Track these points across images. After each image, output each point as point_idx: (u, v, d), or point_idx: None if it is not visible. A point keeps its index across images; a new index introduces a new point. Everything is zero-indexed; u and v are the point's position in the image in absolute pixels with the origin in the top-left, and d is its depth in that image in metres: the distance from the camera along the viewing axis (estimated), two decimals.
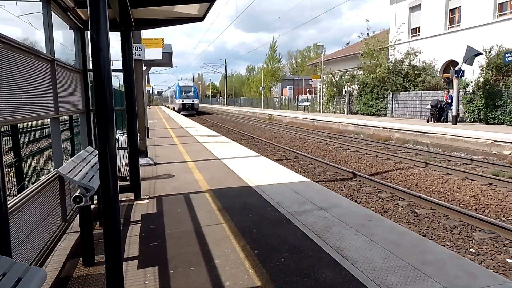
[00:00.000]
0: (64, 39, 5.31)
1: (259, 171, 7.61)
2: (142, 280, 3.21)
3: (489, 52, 19.14)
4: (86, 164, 4.26)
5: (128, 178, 6.35)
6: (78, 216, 3.83)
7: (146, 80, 31.44)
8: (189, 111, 44.77)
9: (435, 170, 10.26)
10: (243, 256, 3.58)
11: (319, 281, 3.09)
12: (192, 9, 5.47)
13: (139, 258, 3.67)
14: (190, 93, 46.66)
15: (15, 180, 4.02)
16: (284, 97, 54.18)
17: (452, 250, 4.92)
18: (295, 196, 5.66)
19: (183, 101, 45.39)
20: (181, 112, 43.08)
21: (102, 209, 2.84)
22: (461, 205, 7.25)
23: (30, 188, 3.25)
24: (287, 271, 3.27)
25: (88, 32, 5.11)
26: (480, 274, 3.13)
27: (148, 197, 5.87)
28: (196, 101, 46.54)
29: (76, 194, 3.51)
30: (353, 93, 30.88)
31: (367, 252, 3.59)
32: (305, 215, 4.75)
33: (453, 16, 25.25)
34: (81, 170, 3.96)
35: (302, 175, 8.59)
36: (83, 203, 3.53)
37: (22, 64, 3.08)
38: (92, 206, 5.08)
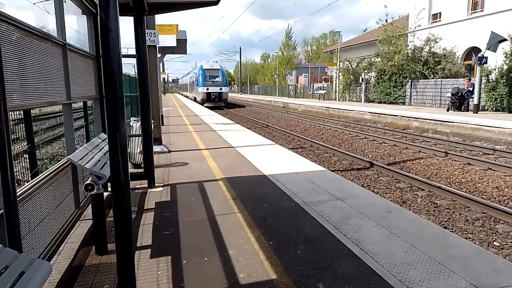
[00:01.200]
0: (78, 25, 5.23)
1: (274, 160, 7.48)
2: (154, 270, 3.15)
3: None
4: (99, 151, 4.20)
5: (142, 165, 6.31)
6: (90, 204, 3.79)
7: (161, 67, 31.53)
8: (216, 102, 33.39)
9: (455, 160, 9.95)
10: (257, 247, 3.48)
11: (337, 275, 2.97)
12: None
13: (152, 247, 3.61)
14: (217, 79, 35.15)
15: (29, 167, 4.00)
16: (299, 85, 53.56)
17: (475, 243, 4.73)
18: (310, 186, 5.52)
19: (207, 89, 33.92)
20: (205, 104, 32.42)
21: (112, 197, 2.77)
22: (483, 196, 6.99)
23: (41, 175, 3.20)
24: (303, 263, 3.16)
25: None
26: (507, 270, 2.95)
27: (162, 184, 5.81)
28: (225, 89, 34.93)
29: (88, 181, 3.45)
30: (370, 81, 30.24)
31: (387, 245, 3.45)
32: (321, 205, 4.61)
33: (476, 1, 24.29)
34: (93, 157, 3.90)
35: (318, 164, 8.42)
36: (95, 190, 3.47)
37: (32, 48, 3.00)
38: (106, 194, 5.07)
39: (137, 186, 5.71)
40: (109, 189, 5.07)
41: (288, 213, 4.38)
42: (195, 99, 39.09)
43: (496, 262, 3.14)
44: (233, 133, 11.83)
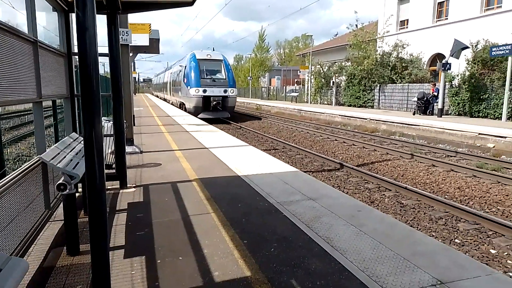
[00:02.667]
0: (47, 22, 5.10)
1: (248, 161, 7.55)
2: (128, 270, 3.14)
3: (476, 46, 19.34)
4: (71, 151, 4.12)
5: (113, 166, 6.21)
6: (62, 204, 3.72)
7: (132, 66, 30.92)
8: (217, 112, 22.27)
9: (420, 162, 10.38)
10: (232, 246, 3.53)
11: (309, 271, 3.07)
12: None
13: (126, 248, 3.59)
14: (220, 75, 23.18)
15: None
16: (272, 87, 53.98)
17: (439, 241, 4.97)
18: (283, 186, 5.63)
19: (204, 91, 21.86)
20: (201, 115, 21.21)
21: (87, 198, 2.74)
22: (446, 196, 7.35)
23: (10, 175, 3.12)
24: (276, 261, 3.24)
25: (73, 14, 4.92)
26: (468, 265, 3.15)
27: (134, 185, 5.75)
28: (231, 91, 22.83)
29: (60, 181, 3.39)
30: (341, 85, 30.95)
31: (356, 243, 3.59)
32: (294, 205, 4.72)
33: (441, 9, 25.39)
34: (65, 157, 3.83)
35: (291, 165, 8.56)
36: (67, 190, 3.41)
37: (2, 45, 2.93)
38: (77, 194, 4.97)
39: (109, 187, 5.62)
40: (80, 189, 5.00)
41: (262, 213, 4.46)
42: (181, 106, 25.19)
43: (458, 258, 3.34)
44: (206, 134, 11.81)
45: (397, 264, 3.16)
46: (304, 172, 7.87)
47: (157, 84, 53.25)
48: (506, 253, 4.88)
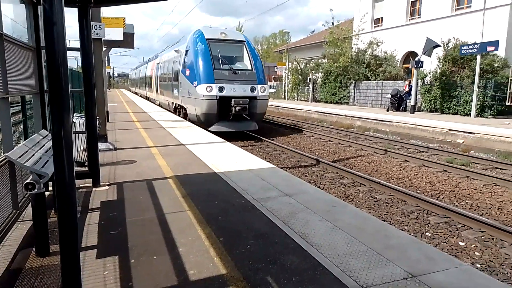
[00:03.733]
0: (16, 15, 4.90)
1: (225, 157, 7.52)
2: (101, 270, 3.07)
3: (447, 44, 19.91)
4: (40, 149, 3.98)
5: (86, 163, 6.06)
6: (30, 204, 3.59)
7: (106, 61, 30.08)
8: (240, 123, 14.32)
9: (394, 158, 10.63)
10: (208, 244, 3.51)
11: (284, 267, 3.09)
12: None
13: (98, 247, 3.51)
14: (243, 65, 15.03)
15: None
16: None
17: (410, 234, 5.12)
18: (261, 183, 5.64)
19: (221, 89, 13.68)
20: (215, 127, 13.79)
21: (57, 197, 2.66)
22: (418, 191, 7.56)
23: None
24: (252, 258, 3.25)
25: (41, 7, 4.74)
26: (438, 258, 3.25)
27: (108, 183, 5.63)
28: (263, 90, 14.49)
29: (28, 180, 3.27)
30: (318, 81, 31.25)
31: (331, 238, 3.64)
32: (271, 202, 4.74)
33: (414, 8, 25.99)
34: (33, 155, 3.69)
35: (268, 161, 8.59)
36: (36, 190, 3.29)
37: None
38: (47, 193, 4.82)
39: (81, 185, 5.48)
40: (50, 188, 4.84)
41: (238, 210, 4.46)
42: (177, 110, 17.83)
43: (430, 251, 3.44)
44: (183, 130, 11.68)
45: (370, 258, 3.22)
46: (281, 168, 7.92)
47: (136, 79, 43.49)
48: (473, 245, 5.07)
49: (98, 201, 4.86)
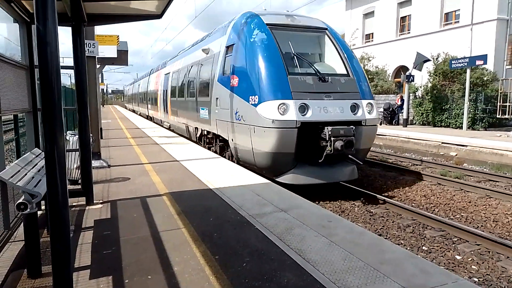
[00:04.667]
0: (8, 33, 4.92)
1: (219, 173, 7.49)
2: None
3: (437, 58, 20.29)
4: (32, 168, 3.94)
5: (79, 181, 6.00)
6: (22, 224, 3.54)
7: (100, 78, 30.16)
8: (335, 169, 8.00)
9: (388, 171, 10.66)
10: (203, 262, 3.46)
11: (281, 285, 3.05)
12: (149, 6, 5.26)
13: (91, 267, 3.44)
14: (330, 69, 8.66)
15: None
16: None
17: (406, 248, 5.10)
18: (256, 198, 5.61)
19: (304, 109, 7.55)
20: (291, 176, 7.79)
21: (49, 217, 2.63)
22: (413, 204, 7.57)
23: None
24: (248, 276, 3.20)
25: (35, 26, 4.77)
26: (434, 272, 3.23)
27: (101, 201, 5.57)
28: (369, 108, 8.20)
29: (20, 200, 3.22)
30: None
31: (327, 254, 3.61)
32: (266, 217, 4.71)
33: (403, 23, 26.53)
34: (26, 174, 3.65)
35: (263, 176, 8.56)
36: (28, 210, 3.25)
37: None
38: (40, 212, 4.75)
39: (74, 204, 5.42)
40: (43, 207, 4.78)
41: (233, 226, 4.42)
42: (208, 139, 11.85)
43: (426, 265, 3.41)
44: (178, 146, 11.64)
45: (367, 274, 3.19)
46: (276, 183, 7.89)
47: (134, 95, 37.78)
48: (470, 259, 5.06)
49: (92, 219, 4.80)
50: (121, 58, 14.00)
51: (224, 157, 9.74)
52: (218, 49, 10.27)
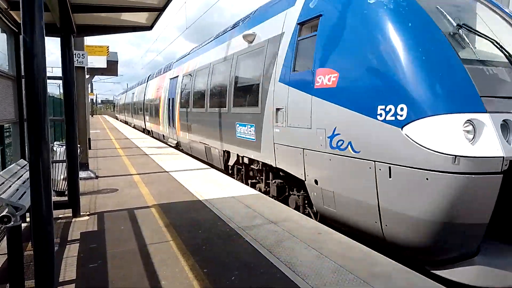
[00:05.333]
0: None
1: (209, 184, 7.44)
2: None
3: None
4: (17, 180, 3.87)
5: (66, 193, 5.90)
6: (6, 237, 3.44)
7: (89, 88, 29.95)
8: None
9: None
10: (191, 276, 3.41)
11: None
12: (140, 18, 5.28)
13: (76, 282, 3.36)
14: None
15: None
16: None
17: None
18: (245, 210, 5.57)
19: (507, 137, 3.66)
20: (480, 272, 3.77)
21: (33, 231, 2.57)
22: None
23: None
24: None
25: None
26: (423, 286, 3.23)
27: (88, 213, 5.47)
28: None
29: (4, 213, 3.14)
30: None
31: (317, 266, 3.58)
32: (256, 230, 4.67)
33: None
34: (10, 186, 3.58)
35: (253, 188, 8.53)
36: (12, 223, 3.17)
37: None
38: (25, 225, 4.65)
39: (60, 216, 5.31)
40: (28, 219, 4.67)
41: (223, 239, 4.37)
42: (244, 168, 8.40)
43: (414, 278, 3.41)
44: (167, 157, 11.56)
45: None
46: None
47: (127, 105, 34.82)
48: None
49: (78, 232, 4.70)
50: (111, 68, 13.95)
51: (287, 204, 6.45)
52: (276, 32, 6.68)
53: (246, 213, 5.41)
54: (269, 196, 6.75)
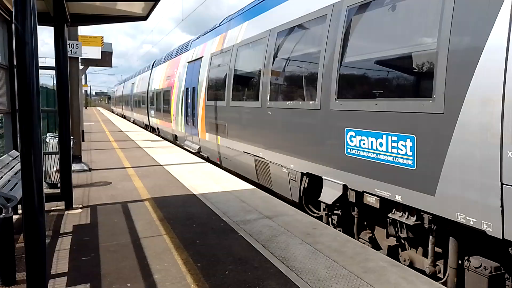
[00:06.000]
0: None
1: (204, 179, 7.41)
2: None
3: None
4: (9, 171, 3.81)
5: (59, 185, 5.84)
6: None
7: (83, 79, 29.66)
8: None
9: None
10: (185, 270, 3.38)
11: None
12: (135, 7, 5.20)
13: (69, 275, 3.33)
14: None
15: None
16: None
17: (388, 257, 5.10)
18: (240, 205, 5.56)
19: None
20: None
21: (24, 222, 2.53)
22: None
23: None
24: (231, 284, 3.14)
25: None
26: (417, 281, 3.23)
27: (81, 206, 5.42)
28: None
29: None
30: None
31: (311, 262, 3.58)
32: (251, 224, 4.66)
33: None
34: (2, 177, 3.53)
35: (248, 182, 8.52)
36: (3, 214, 3.12)
37: None
38: (16, 217, 4.60)
39: (53, 208, 5.26)
40: (20, 211, 4.62)
41: (217, 233, 4.35)
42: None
43: (408, 274, 3.41)
44: (162, 150, 11.50)
45: (350, 283, 3.17)
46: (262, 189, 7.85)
47: (127, 96, 30.90)
48: None
49: (70, 225, 4.66)
50: (105, 59, 13.81)
51: None
52: None
53: (241, 208, 5.39)
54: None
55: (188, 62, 12.10)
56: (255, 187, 6.80)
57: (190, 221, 4.78)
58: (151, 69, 19.72)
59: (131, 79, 30.33)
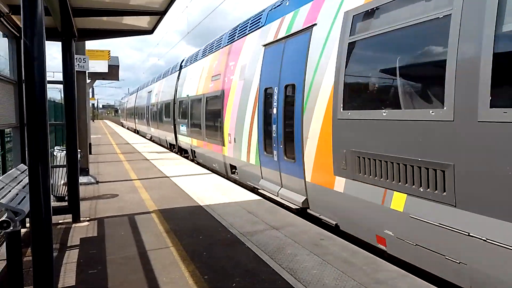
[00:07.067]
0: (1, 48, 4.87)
1: (211, 190, 7.40)
2: None
3: None
4: (17, 184, 3.84)
5: (66, 198, 5.87)
6: (5, 242, 3.41)
7: (91, 93, 29.97)
8: None
9: None
10: (192, 283, 3.36)
11: None
12: (141, 22, 5.27)
13: None
14: None
15: None
16: None
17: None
18: (247, 216, 5.53)
19: None
20: None
21: (31, 235, 2.54)
22: None
23: None
24: None
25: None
26: None
27: (88, 219, 5.43)
28: None
29: (3, 218, 3.11)
30: None
31: (319, 273, 3.54)
32: (258, 235, 4.63)
33: None
34: (10, 191, 3.55)
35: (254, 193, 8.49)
36: (11, 228, 3.13)
37: None
38: (24, 230, 4.62)
39: (60, 221, 5.27)
40: (28, 225, 4.64)
41: (224, 245, 4.32)
42: None
43: (421, 285, 3.36)
44: (168, 162, 11.54)
45: None
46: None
47: (142, 108, 25.77)
48: None
49: (78, 237, 4.66)
50: (112, 73, 13.97)
51: None
52: None
53: (247, 219, 5.37)
54: None
55: (267, 45, 7.26)
56: (261, 198, 6.77)
57: (197, 232, 4.76)
58: (179, 70, 15.06)
59: (146, 86, 25.38)
